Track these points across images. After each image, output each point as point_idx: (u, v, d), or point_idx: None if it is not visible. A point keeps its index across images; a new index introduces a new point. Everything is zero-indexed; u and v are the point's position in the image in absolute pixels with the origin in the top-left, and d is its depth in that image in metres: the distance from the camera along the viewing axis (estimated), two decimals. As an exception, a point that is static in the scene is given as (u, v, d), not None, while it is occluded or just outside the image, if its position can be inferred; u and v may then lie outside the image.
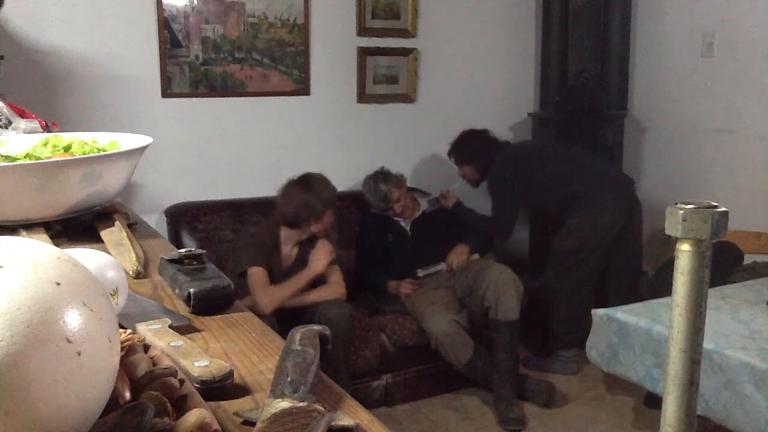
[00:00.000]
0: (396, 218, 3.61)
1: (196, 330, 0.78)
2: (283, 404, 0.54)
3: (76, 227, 1.15)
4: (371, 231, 3.61)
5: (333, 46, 3.81)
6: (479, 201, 3.83)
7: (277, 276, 3.01)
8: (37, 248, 0.49)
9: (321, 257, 3.03)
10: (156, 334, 0.70)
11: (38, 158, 1.15)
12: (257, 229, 3.22)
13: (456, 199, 3.71)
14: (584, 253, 3.46)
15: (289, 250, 3.12)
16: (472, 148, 3.71)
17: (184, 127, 3.53)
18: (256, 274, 2.94)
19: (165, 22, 3.39)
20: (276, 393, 0.56)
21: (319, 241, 3.08)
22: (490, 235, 3.70)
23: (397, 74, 4.01)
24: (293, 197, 3.03)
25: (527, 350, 3.70)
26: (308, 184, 3.05)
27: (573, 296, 3.52)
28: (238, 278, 2.93)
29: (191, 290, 0.82)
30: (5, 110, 1.56)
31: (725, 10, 3.73)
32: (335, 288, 3.07)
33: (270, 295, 2.91)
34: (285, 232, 3.10)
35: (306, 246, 3.12)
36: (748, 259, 3.31)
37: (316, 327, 0.68)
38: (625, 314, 2.50)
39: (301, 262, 3.09)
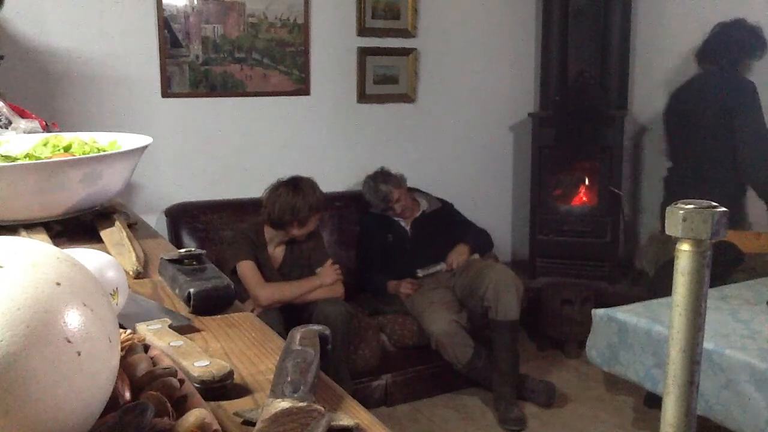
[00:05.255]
0: (396, 218, 3.60)
1: (196, 330, 0.78)
2: (283, 404, 0.54)
3: (76, 227, 1.15)
4: (371, 231, 3.61)
5: (333, 46, 3.81)
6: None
7: (267, 274, 3.04)
8: (37, 248, 0.49)
9: (330, 274, 3.10)
10: (156, 334, 0.70)
11: (38, 158, 1.15)
12: (243, 226, 3.26)
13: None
14: None
15: (274, 250, 3.15)
16: None
17: (184, 127, 3.53)
18: (247, 267, 2.99)
19: (165, 22, 3.38)
20: (276, 393, 0.56)
21: (329, 262, 3.14)
22: None
23: (397, 74, 4.01)
24: (280, 198, 3.04)
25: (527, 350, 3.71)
26: (296, 187, 3.06)
27: None
28: (231, 276, 2.95)
29: (191, 290, 0.82)
30: (5, 110, 1.56)
31: (725, 9, 3.73)
32: (335, 288, 3.11)
33: (269, 289, 2.96)
34: (269, 232, 3.13)
35: (296, 248, 3.15)
36: (747, 259, 3.30)
37: (316, 327, 0.68)
38: (625, 314, 2.50)
39: (293, 264, 3.14)
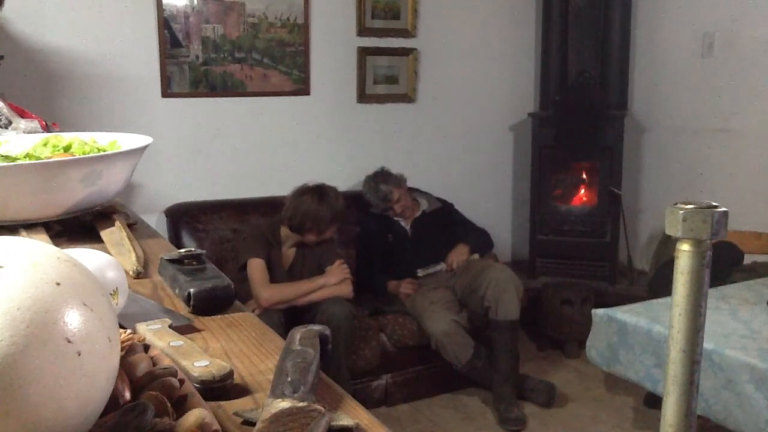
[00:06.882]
0: (396, 218, 3.60)
1: (196, 330, 0.78)
2: (283, 404, 0.54)
3: (76, 227, 1.15)
4: (371, 231, 3.61)
5: (333, 46, 3.81)
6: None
7: (276, 273, 3.03)
8: (37, 248, 0.49)
9: (337, 274, 3.08)
10: (156, 334, 0.70)
11: (38, 158, 1.15)
12: (259, 222, 3.26)
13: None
14: None
15: (287, 250, 3.14)
16: None
17: (184, 127, 3.53)
18: (256, 265, 2.98)
19: (165, 22, 3.38)
20: (276, 393, 0.56)
21: (338, 261, 3.12)
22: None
23: (397, 74, 4.01)
24: (303, 204, 3.03)
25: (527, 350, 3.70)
26: (321, 196, 3.05)
27: None
28: (240, 271, 2.97)
29: (191, 290, 0.82)
30: (5, 110, 1.56)
31: (725, 10, 3.73)
32: (343, 287, 3.09)
33: (271, 290, 2.94)
34: (285, 232, 3.12)
35: (307, 251, 3.14)
36: (748, 259, 3.30)
37: (316, 327, 0.68)
38: (625, 314, 2.50)
39: (303, 266, 3.13)
